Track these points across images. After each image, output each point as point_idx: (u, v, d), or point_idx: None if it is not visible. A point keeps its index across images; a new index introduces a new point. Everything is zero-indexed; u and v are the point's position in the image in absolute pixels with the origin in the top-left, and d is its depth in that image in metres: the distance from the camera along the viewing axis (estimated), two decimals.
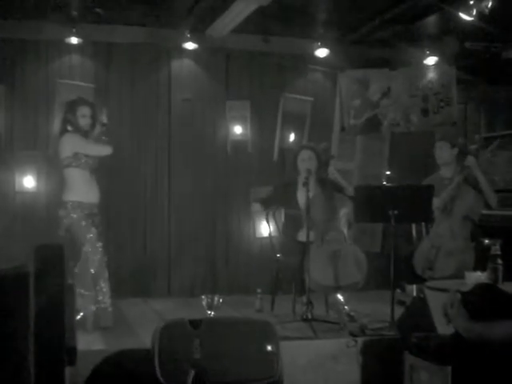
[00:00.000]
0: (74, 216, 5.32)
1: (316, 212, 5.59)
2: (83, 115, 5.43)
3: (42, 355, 2.80)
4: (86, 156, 5.38)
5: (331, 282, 5.41)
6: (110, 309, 5.37)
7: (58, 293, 2.93)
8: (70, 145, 5.37)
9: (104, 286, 5.36)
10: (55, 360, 2.88)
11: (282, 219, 6.09)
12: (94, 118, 5.51)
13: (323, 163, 5.92)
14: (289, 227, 5.87)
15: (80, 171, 5.39)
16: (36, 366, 2.76)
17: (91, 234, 5.33)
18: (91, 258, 5.30)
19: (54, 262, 2.90)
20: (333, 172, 5.86)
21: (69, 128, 5.41)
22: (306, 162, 5.74)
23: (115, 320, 5.46)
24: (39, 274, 2.85)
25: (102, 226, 5.57)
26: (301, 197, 5.61)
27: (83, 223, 5.32)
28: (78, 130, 5.41)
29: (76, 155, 5.34)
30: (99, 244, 5.37)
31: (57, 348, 2.89)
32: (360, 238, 6.10)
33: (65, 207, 5.36)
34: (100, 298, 5.32)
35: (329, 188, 5.74)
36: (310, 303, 5.13)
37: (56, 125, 6.42)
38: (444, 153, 5.85)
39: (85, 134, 5.46)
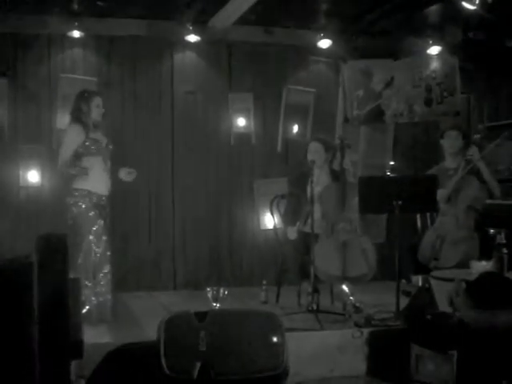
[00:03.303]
0: (83, 206, 5.31)
1: (327, 203, 5.67)
2: (97, 105, 5.46)
3: (46, 347, 2.81)
4: (96, 142, 5.39)
5: (339, 272, 5.46)
6: (108, 303, 5.35)
7: (62, 282, 2.94)
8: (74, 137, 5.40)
9: (102, 279, 5.34)
10: (60, 352, 2.89)
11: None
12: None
13: (335, 154, 5.96)
14: (288, 216, 5.92)
15: (93, 159, 5.37)
16: (41, 358, 2.77)
17: (97, 226, 5.33)
18: (94, 249, 5.31)
19: (56, 252, 2.90)
20: (347, 163, 5.89)
21: (82, 117, 5.40)
22: (311, 154, 5.83)
23: (121, 314, 5.49)
24: (42, 264, 2.86)
25: (109, 219, 5.58)
26: (309, 188, 5.65)
27: (91, 213, 5.32)
28: (88, 119, 5.41)
29: (83, 144, 5.34)
30: (104, 238, 5.37)
31: (61, 339, 2.89)
32: (365, 229, 6.10)
33: (73, 195, 5.35)
34: (98, 290, 5.31)
35: (342, 179, 5.76)
36: (315, 291, 5.14)
37: (60, 118, 6.48)
38: (456, 142, 5.86)
39: (96, 125, 5.46)
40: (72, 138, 5.40)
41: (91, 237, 5.30)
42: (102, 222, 5.37)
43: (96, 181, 5.37)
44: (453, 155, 5.87)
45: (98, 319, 5.23)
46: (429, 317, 4.20)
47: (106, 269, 5.37)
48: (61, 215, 5.51)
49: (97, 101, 5.46)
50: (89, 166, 5.35)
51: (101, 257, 5.33)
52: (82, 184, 5.35)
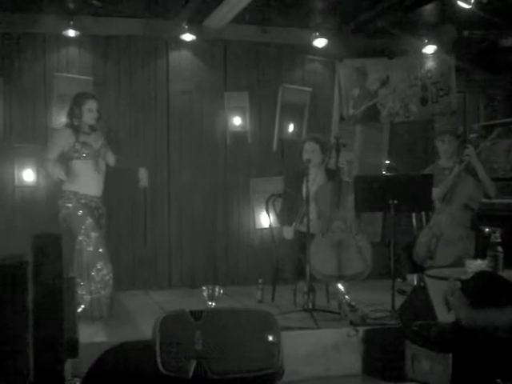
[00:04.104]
0: (70, 206, 5.38)
1: (322, 202, 5.67)
2: (89, 109, 5.47)
3: (41, 346, 2.81)
4: (86, 145, 5.40)
5: (334, 271, 5.47)
6: (104, 299, 5.35)
7: (57, 281, 2.94)
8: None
9: (95, 275, 5.34)
10: (55, 351, 2.88)
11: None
12: (99, 112, 5.55)
13: (330, 153, 5.96)
14: (285, 216, 5.92)
15: (83, 162, 5.42)
16: (36, 357, 2.77)
17: (85, 225, 5.35)
18: (85, 248, 5.32)
19: (51, 251, 2.90)
20: (343, 162, 5.90)
21: (73, 120, 5.44)
22: (307, 153, 5.83)
23: (116, 312, 5.48)
24: (37, 263, 2.86)
25: (104, 219, 5.59)
26: (305, 188, 5.65)
27: (79, 213, 5.36)
28: (79, 122, 5.44)
29: (73, 147, 5.37)
30: (94, 235, 5.37)
31: (56, 338, 2.89)
32: (360, 228, 6.11)
33: (62, 196, 5.45)
34: (93, 287, 5.32)
35: (337, 178, 5.76)
36: (311, 290, 5.15)
37: (55, 117, 6.50)
38: (450, 145, 5.90)
39: (90, 127, 5.50)
40: (58, 141, 5.52)
41: (82, 236, 5.33)
42: (90, 220, 5.39)
43: (86, 183, 5.44)
44: (448, 155, 5.90)
45: (93, 316, 5.24)
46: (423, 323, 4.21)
47: (99, 265, 5.37)
48: (56, 215, 5.52)
49: (89, 104, 5.47)
50: (76, 171, 5.39)
51: (93, 254, 5.34)
52: (69, 186, 5.44)
